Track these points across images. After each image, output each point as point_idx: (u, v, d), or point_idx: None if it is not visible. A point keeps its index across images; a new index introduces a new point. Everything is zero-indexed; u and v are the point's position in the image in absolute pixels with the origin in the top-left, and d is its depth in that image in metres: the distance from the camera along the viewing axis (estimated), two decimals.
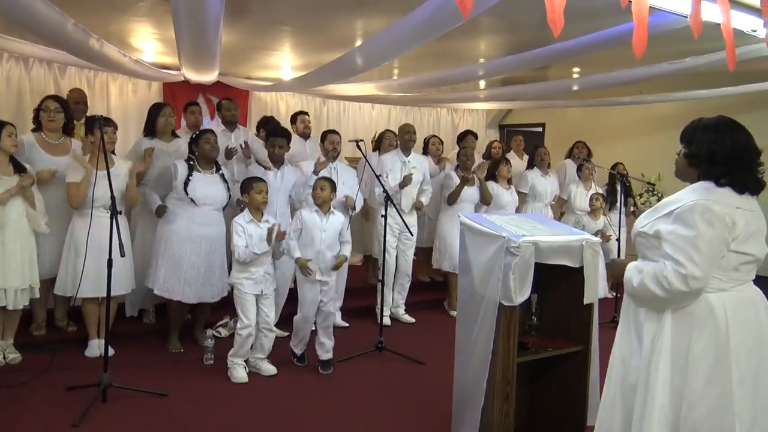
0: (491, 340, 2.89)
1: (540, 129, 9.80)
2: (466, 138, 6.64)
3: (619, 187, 6.32)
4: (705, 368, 2.08)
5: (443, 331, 5.31)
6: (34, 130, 4.50)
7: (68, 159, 4.39)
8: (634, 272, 2.21)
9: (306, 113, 6.37)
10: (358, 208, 5.09)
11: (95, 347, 4.32)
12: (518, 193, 6.18)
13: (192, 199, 4.37)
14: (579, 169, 6.49)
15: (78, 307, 4.33)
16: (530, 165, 6.47)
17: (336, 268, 4.24)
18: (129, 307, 4.90)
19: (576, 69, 6.81)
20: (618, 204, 6.05)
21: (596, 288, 3.19)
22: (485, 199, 5.75)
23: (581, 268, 3.08)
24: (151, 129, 4.90)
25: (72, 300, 4.22)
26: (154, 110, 4.95)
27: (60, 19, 3.94)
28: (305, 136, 6.05)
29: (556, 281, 3.24)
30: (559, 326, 3.30)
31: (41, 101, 4.52)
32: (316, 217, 4.23)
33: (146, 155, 4.68)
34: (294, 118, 6.21)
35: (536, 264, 2.92)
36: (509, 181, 6.03)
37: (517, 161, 7.15)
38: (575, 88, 6.99)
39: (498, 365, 2.91)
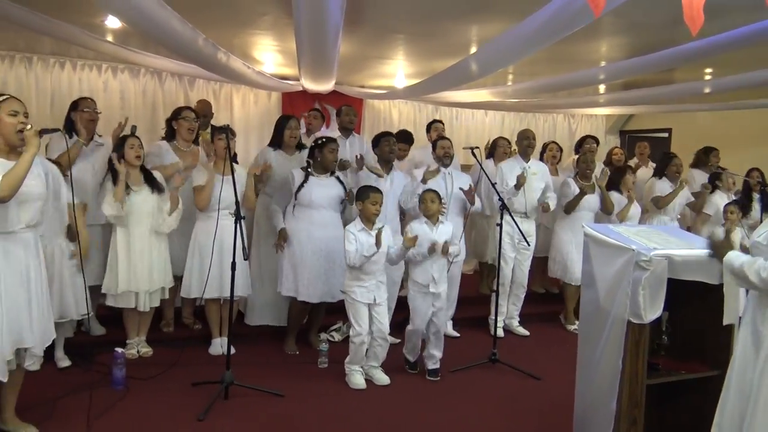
0: (618, 359, 2.72)
1: (665, 134, 9.21)
2: (585, 143, 6.36)
3: (757, 196, 5.79)
4: None
5: (560, 346, 5.11)
6: (166, 139, 4.80)
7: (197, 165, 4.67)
8: (737, 255, 2.41)
9: (441, 122, 6.43)
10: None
11: (218, 345, 4.54)
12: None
13: (308, 203, 4.47)
14: (716, 178, 5.96)
15: (203, 306, 4.58)
16: (658, 173, 6.03)
17: (444, 251, 4.20)
18: (252, 316, 5.04)
19: (708, 70, 6.34)
20: (759, 214, 5.53)
21: (737, 307, 2.90)
22: (607, 208, 5.48)
23: (720, 285, 2.83)
24: (277, 141, 4.95)
25: (198, 300, 4.46)
26: (281, 122, 5.00)
27: (192, 34, 4.18)
28: None
29: (690, 298, 3.00)
30: (693, 347, 3.05)
31: (179, 112, 4.81)
32: (426, 228, 4.23)
33: (263, 169, 4.67)
34: (429, 127, 6.33)
35: (668, 279, 2.72)
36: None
37: (642, 170, 6.76)
38: (707, 90, 6.49)
39: (625, 386, 2.73)
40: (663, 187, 5.82)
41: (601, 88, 7.56)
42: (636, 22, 4.59)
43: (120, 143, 4.29)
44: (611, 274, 2.80)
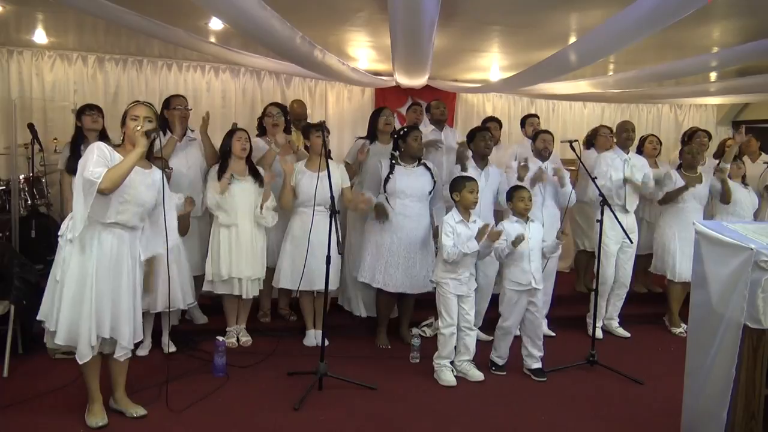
0: (732, 366, 2.53)
1: None
2: (696, 136, 5.99)
3: None
4: None
5: (664, 350, 4.85)
6: (258, 136, 4.99)
7: (293, 157, 4.80)
8: None
9: (536, 116, 6.28)
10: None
11: (312, 337, 4.64)
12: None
13: (393, 192, 4.48)
14: None
15: (298, 298, 4.68)
16: None
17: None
18: (347, 303, 5.14)
19: None
20: None
21: None
22: (725, 199, 5.21)
23: None
24: (372, 132, 5.06)
25: (294, 292, 4.58)
26: (375, 113, 5.16)
27: (290, 33, 4.28)
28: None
29: None
30: None
31: (264, 109, 5.02)
32: (518, 227, 4.16)
33: (361, 150, 4.88)
34: (523, 122, 6.21)
35: None
36: (743, 180, 5.34)
37: (749, 165, 6.26)
38: None
39: (740, 397, 2.53)
40: None
41: (713, 75, 7.07)
42: (754, 4, 4.25)
43: (228, 136, 4.46)
44: (726, 275, 2.60)
